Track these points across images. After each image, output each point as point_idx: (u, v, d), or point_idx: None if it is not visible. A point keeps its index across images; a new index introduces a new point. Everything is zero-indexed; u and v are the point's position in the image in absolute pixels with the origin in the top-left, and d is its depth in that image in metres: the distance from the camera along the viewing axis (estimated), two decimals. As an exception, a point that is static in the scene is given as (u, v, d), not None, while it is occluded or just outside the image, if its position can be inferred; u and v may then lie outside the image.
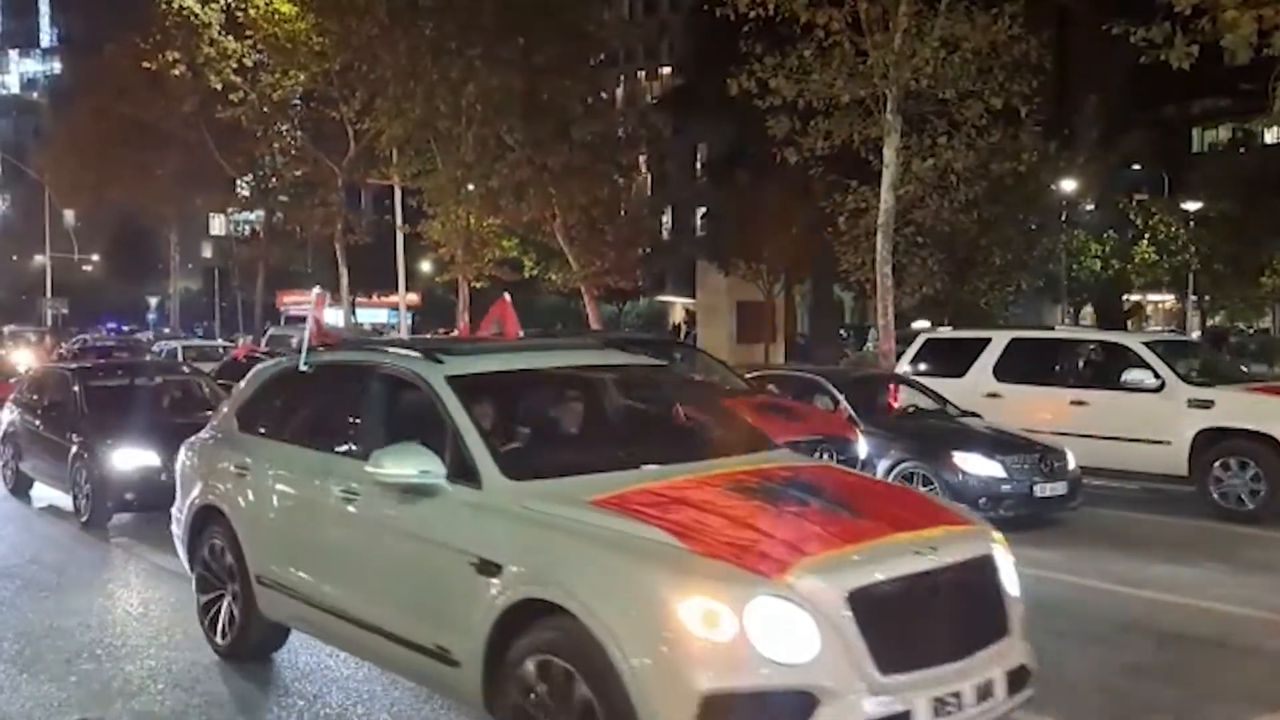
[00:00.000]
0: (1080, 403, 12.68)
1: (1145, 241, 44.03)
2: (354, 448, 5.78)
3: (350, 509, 5.53)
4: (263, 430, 6.74)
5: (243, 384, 7.28)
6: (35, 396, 13.02)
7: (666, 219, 60.70)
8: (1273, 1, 12.15)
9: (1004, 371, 13.52)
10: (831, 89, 17.78)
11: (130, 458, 10.58)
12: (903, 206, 19.41)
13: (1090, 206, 40.03)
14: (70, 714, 5.80)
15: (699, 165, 56.81)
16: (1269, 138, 41.70)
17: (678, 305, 64.69)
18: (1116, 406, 12.25)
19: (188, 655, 6.70)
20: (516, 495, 4.77)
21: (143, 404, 12.09)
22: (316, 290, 8.55)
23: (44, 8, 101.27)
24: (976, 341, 14.32)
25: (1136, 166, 45.79)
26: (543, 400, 6.31)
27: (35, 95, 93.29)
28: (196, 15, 30.99)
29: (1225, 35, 12.50)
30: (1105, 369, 12.93)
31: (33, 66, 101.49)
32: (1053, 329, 17.82)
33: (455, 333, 30.64)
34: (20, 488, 12.77)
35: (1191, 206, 39.65)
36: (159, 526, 10.93)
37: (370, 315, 59.19)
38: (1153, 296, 54.41)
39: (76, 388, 12.04)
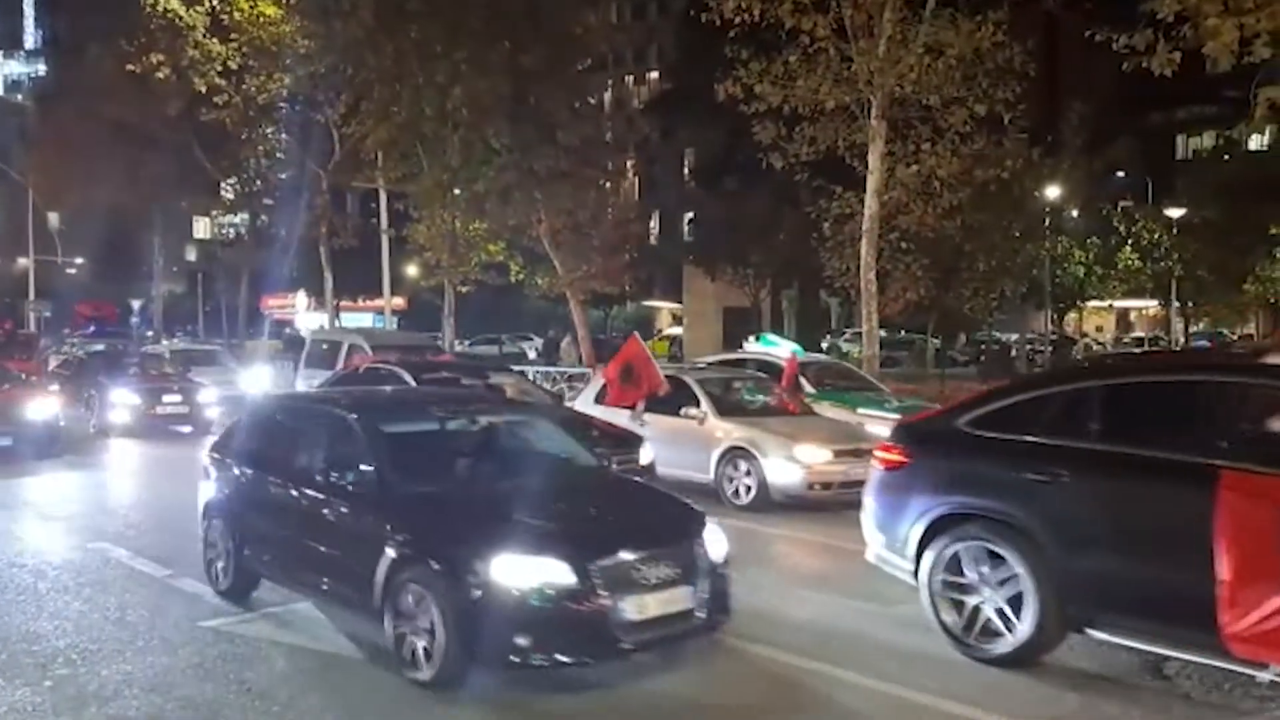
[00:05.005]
0: None
1: (1129, 248, 44.24)
2: None
3: None
4: None
5: None
6: (270, 446, 8.23)
7: (654, 224, 60.73)
8: (1254, 9, 12.22)
9: None
10: (817, 95, 17.88)
11: (521, 570, 6.00)
12: (887, 212, 19.49)
13: (1074, 213, 40.17)
14: (45, 719, 5.76)
15: (686, 170, 56.93)
16: (1252, 144, 41.90)
17: (665, 310, 64.72)
18: None
19: (163, 659, 6.67)
20: None
21: (483, 466, 7.53)
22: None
23: (28, 9, 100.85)
24: None
25: (1121, 173, 46.04)
26: None
27: (19, 97, 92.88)
28: (181, 18, 30.90)
29: (1207, 42, 12.59)
30: None
31: (17, 68, 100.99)
32: None
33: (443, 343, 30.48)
34: (241, 587, 8.08)
35: (1175, 213, 39.82)
36: (157, 534, 10.87)
37: (355, 319, 59.02)
38: (1136, 303, 54.65)
39: (362, 434, 7.24)
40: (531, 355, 44.79)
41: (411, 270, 42.99)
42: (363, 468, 6.94)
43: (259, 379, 26.78)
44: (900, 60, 17.49)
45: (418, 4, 25.71)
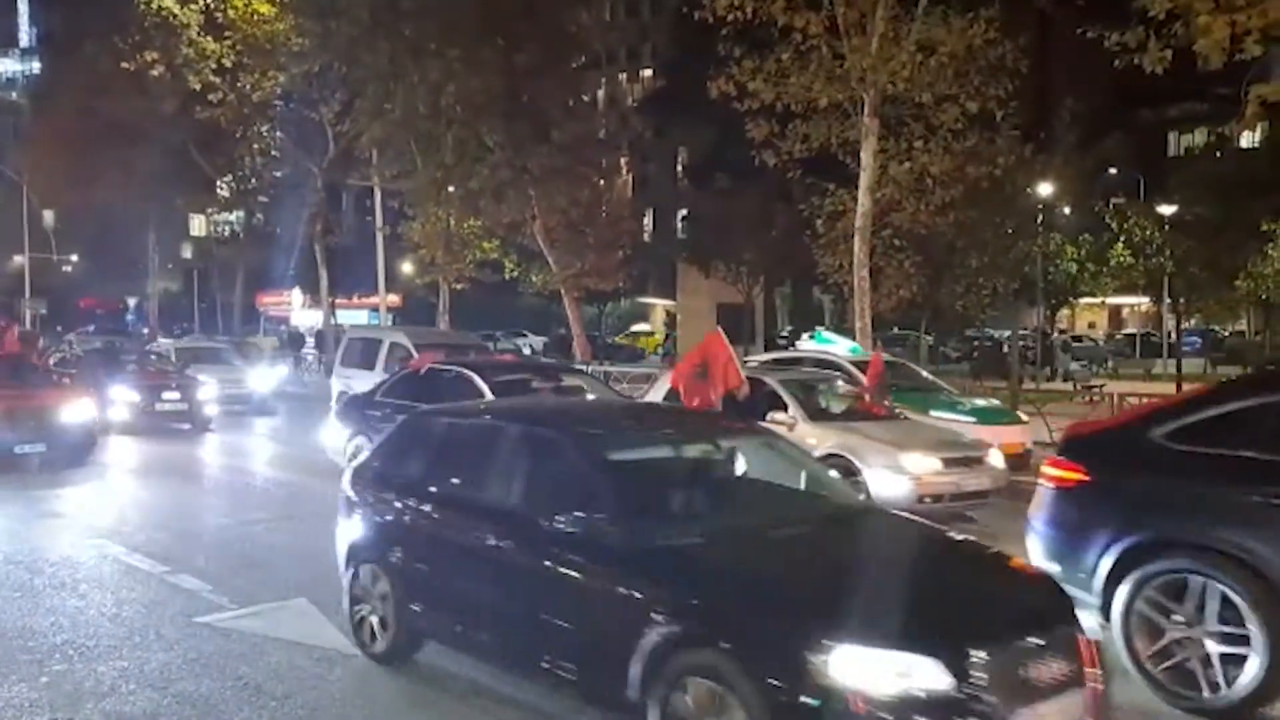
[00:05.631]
0: None
1: (1121, 244, 44.34)
2: None
3: None
4: None
5: None
6: (444, 475, 6.63)
7: (647, 221, 60.82)
8: (1245, 7, 12.29)
9: None
10: (809, 92, 17.93)
11: (875, 668, 4.23)
12: (880, 210, 19.58)
13: (1066, 210, 40.25)
14: (41, 715, 5.79)
15: (680, 167, 57.03)
16: (1244, 141, 42.01)
17: (659, 307, 64.76)
18: None
19: (160, 655, 6.71)
20: None
21: (744, 508, 6.02)
22: None
23: (23, 7, 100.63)
24: None
25: (1113, 170, 46.10)
26: None
27: (14, 95, 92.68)
28: (175, 15, 30.88)
29: (1198, 40, 12.65)
30: None
31: (12, 66, 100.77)
32: None
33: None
34: (405, 651, 6.54)
35: (1167, 210, 39.92)
36: (154, 531, 10.93)
37: (350, 317, 59.04)
38: (1128, 299, 54.75)
39: (585, 463, 5.79)
40: (527, 352, 44.79)
41: (406, 268, 43.04)
42: (592, 508, 5.25)
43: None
44: (893, 58, 17.54)
45: (412, 2, 25.76)
